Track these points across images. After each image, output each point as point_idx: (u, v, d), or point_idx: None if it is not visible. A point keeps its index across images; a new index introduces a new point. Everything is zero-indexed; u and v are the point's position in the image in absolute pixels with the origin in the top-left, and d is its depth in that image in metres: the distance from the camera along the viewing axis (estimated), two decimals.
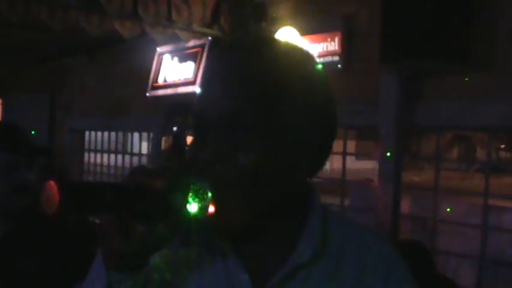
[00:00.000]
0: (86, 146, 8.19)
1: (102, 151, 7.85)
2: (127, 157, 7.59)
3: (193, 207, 0.92)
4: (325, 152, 1.06)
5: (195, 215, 0.92)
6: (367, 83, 4.26)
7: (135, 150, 7.92)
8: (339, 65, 4.48)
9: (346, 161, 4.77)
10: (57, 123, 8.02)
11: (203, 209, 0.93)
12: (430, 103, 3.97)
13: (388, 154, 3.99)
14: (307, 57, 1.06)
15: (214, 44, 5.38)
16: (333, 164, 4.71)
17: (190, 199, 0.91)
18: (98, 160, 7.91)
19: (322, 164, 1.07)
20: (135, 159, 7.52)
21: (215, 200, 0.94)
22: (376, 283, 1.05)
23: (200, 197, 0.92)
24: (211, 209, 0.94)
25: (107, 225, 0.89)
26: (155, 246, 0.91)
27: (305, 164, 1.02)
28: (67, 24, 4.37)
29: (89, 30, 4.58)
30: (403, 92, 4.02)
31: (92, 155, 8.07)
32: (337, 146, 4.44)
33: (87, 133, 8.10)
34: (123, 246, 0.88)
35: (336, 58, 4.50)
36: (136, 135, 7.66)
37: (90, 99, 7.71)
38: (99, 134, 7.90)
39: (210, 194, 0.93)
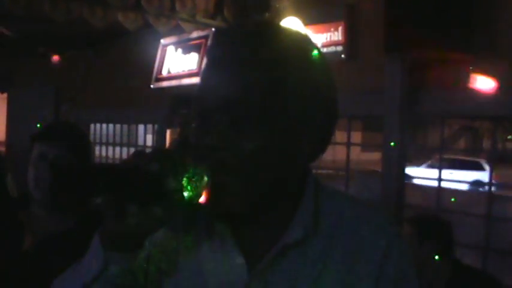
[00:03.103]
0: (91, 139, 8.20)
1: (107, 143, 7.85)
2: (132, 149, 7.59)
3: (188, 192, 0.93)
4: (326, 138, 1.07)
5: (190, 200, 0.93)
6: (371, 72, 4.25)
7: (140, 142, 7.92)
8: (343, 55, 4.46)
9: (352, 152, 4.75)
10: (62, 116, 8.01)
11: (198, 194, 0.94)
12: (434, 92, 3.95)
13: (392, 144, 3.97)
14: (307, 43, 1.06)
15: (219, 34, 5.36)
16: (337, 155, 4.71)
17: (185, 184, 0.92)
18: (103, 153, 7.92)
19: (323, 149, 1.08)
20: None
21: (215, 185, 0.96)
22: (374, 259, 1.04)
23: (196, 182, 0.93)
24: (205, 195, 0.95)
25: (103, 206, 0.93)
26: (149, 228, 0.94)
27: (305, 150, 1.03)
28: (70, 16, 4.36)
29: (93, 22, 4.58)
30: (406, 82, 4.00)
31: (97, 147, 8.07)
32: (342, 136, 4.44)
33: (92, 126, 8.11)
34: (117, 226, 0.93)
35: (340, 48, 4.49)
36: (141, 127, 7.66)
37: (95, 92, 7.70)
38: (104, 126, 7.91)
39: (206, 180, 0.94)
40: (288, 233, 1.03)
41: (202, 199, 0.95)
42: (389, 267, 1.04)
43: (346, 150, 4.70)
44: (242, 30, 1.06)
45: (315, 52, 1.05)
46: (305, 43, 1.06)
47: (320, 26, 4.65)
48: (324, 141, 1.07)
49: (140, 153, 0.94)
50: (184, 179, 0.92)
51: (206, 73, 1.04)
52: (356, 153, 5.91)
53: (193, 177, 0.93)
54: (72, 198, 2.05)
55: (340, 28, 4.49)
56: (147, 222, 0.92)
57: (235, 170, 0.98)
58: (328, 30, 4.56)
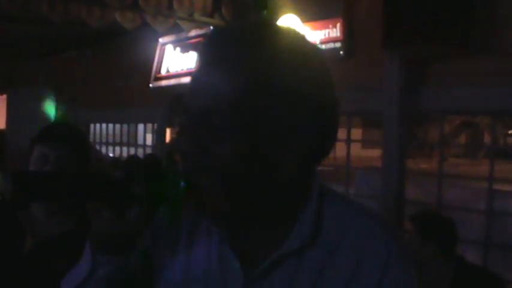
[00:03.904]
0: (91, 139, 8.20)
1: (107, 143, 7.86)
2: (132, 149, 7.59)
3: (164, 197, 0.95)
4: (323, 142, 1.02)
5: (166, 204, 0.96)
6: (370, 69, 4.24)
7: (140, 142, 7.92)
8: (341, 52, 4.46)
9: (353, 149, 4.75)
10: (61, 117, 8.02)
11: (174, 199, 0.95)
12: (433, 88, 3.94)
13: (392, 140, 3.97)
14: (301, 45, 1.01)
15: (212, 34, 5.36)
16: (337, 152, 4.71)
17: (159, 189, 0.95)
18: (103, 152, 7.93)
19: (322, 153, 1.04)
20: (140, 151, 7.53)
21: (193, 190, 0.96)
22: (373, 274, 0.99)
23: (173, 187, 0.95)
24: (182, 201, 0.97)
25: (88, 210, 0.97)
26: (127, 232, 0.97)
27: (293, 158, 0.98)
28: (68, 17, 4.36)
29: (91, 22, 4.57)
30: (405, 78, 3.99)
31: (97, 147, 8.08)
32: (341, 133, 4.43)
33: (91, 126, 8.12)
34: (98, 229, 0.97)
35: (338, 45, 4.48)
36: (141, 126, 7.67)
37: (94, 92, 7.70)
38: (104, 126, 7.91)
39: (181, 185, 0.95)
40: (285, 242, 1.01)
41: (180, 204, 0.97)
42: (389, 283, 1.00)
43: (346, 147, 4.69)
44: (227, 31, 1.03)
45: (311, 54, 1.01)
46: (297, 45, 1.00)
47: (318, 23, 4.64)
48: (322, 144, 1.02)
49: (115, 161, 0.96)
50: (157, 184, 0.94)
51: (193, 75, 1.01)
52: (357, 150, 5.90)
53: (169, 183, 0.95)
54: (71, 200, 2.05)
55: (338, 25, 4.48)
56: (123, 226, 0.95)
57: (212, 174, 0.96)
58: (327, 27, 4.56)
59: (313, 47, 1.03)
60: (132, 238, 0.99)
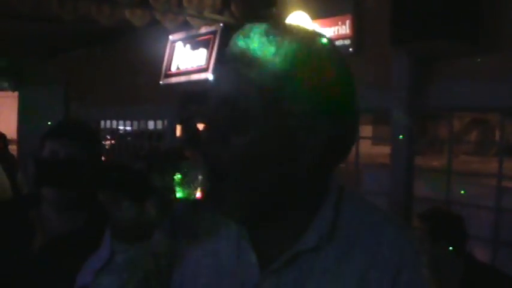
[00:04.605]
0: (101, 136, 8.23)
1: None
2: None
3: (180, 190, 0.96)
4: (341, 141, 1.02)
5: (183, 197, 0.97)
6: (379, 66, 4.23)
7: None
8: (350, 49, 4.45)
9: (363, 146, 4.74)
10: (72, 114, 8.06)
11: (191, 192, 0.97)
12: (442, 85, 3.93)
13: (400, 137, 3.96)
14: (317, 44, 1.02)
15: (226, 31, 5.37)
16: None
17: (176, 182, 0.96)
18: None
19: (341, 153, 1.04)
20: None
21: (213, 182, 0.97)
22: (387, 275, 1.01)
23: (189, 180, 0.96)
24: (199, 193, 0.98)
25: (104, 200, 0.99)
26: (145, 222, 0.99)
27: (311, 152, 0.99)
28: (77, 15, 4.38)
29: (100, 19, 4.60)
30: (414, 75, 3.99)
31: (108, 144, 8.12)
32: None
33: (102, 122, 8.15)
34: (116, 219, 0.99)
35: (347, 42, 4.48)
36: (151, 123, 7.68)
37: (104, 89, 7.74)
38: (114, 123, 7.94)
39: (200, 178, 0.97)
40: (302, 239, 1.03)
41: (197, 197, 0.98)
42: (402, 285, 1.02)
43: (355, 144, 4.69)
44: (246, 28, 1.04)
45: (329, 55, 1.01)
46: (314, 44, 1.02)
47: (327, 20, 4.64)
48: (339, 144, 1.02)
49: (136, 152, 0.97)
50: (176, 177, 0.96)
51: (213, 72, 1.06)
52: (367, 146, 5.89)
53: (187, 176, 0.96)
54: (82, 197, 2.06)
55: (347, 22, 4.48)
56: (142, 217, 0.98)
57: (229, 165, 0.98)
58: (336, 24, 4.55)
59: (335, 48, 1.05)
60: (150, 228, 1.02)
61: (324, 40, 1.04)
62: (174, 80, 6.33)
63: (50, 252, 2.05)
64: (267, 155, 0.98)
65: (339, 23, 4.52)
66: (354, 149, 4.59)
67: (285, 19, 4.77)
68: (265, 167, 0.98)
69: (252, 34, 1.01)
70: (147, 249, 1.05)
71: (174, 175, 0.96)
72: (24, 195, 2.90)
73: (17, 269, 2.06)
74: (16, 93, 9.12)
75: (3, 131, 7.02)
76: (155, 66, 6.48)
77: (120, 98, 7.41)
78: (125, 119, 7.74)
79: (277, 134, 0.97)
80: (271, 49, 0.98)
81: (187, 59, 6.15)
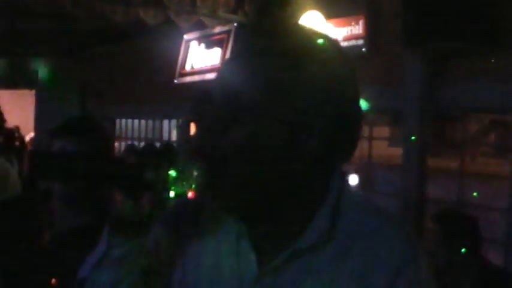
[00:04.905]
0: (117, 134, 8.28)
1: (132, 138, 7.92)
2: (158, 144, 7.62)
3: (176, 186, 0.98)
4: (341, 140, 1.02)
5: (177, 193, 0.99)
6: (392, 66, 4.21)
7: (165, 137, 7.97)
8: (363, 49, 4.43)
9: (379, 147, 4.72)
10: (88, 112, 8.11)
11: (186, 188, 0.99)
12: (456, 85, 3.89)
13: (413, 138, 3.93)
14: (322, 42, 1.03)
15: (240, 30, 5.37)
16: (361, 150, 4.68)
17: (172, 177, 0.98)
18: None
19: (342, 153, 1.05)
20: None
21: (210, 175, 0.99)
22: (384, 277, 0.99)
23: (185, 177, 0.98)
24: (194, 190, 1.00)
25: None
26: (140, 217, 1.01)
27: (310, 149, 1.00)
28: (92, 13, 4.40)
29: (114, 18, 4.61)
30: (427, 75, 3.95)
31: (123, 142, 8.15)
32: (364, 130, 4.41)
33: (117, 121, 8.19)
34: (112, 213, 1.03)
35: (360, 42, 4.46)
36: (166, 122, 7.71)
37: (121, 88, 7.78)
38: (130, 121, 7.98)
39: (195, 174, 0.98)
40: (301, 238, 1.02)
41: (191, 193, 1.00)
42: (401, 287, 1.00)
43: (368, 145, 4.67)
44: (253, 26, 1.08)
45: (332, 51, 1.03)
46: (319, 41, 1.03)
47: (341, 20, 4.62)
48: (339, 146, 1.02)
49: (130, 148, 0.98)
50: (171, 173, 0.97)
51: (220, 65, 1.08)
52: (383, 147, 5.86)
53: (182, 172, 0.98)
54: (91, 192, 2.07)
55: (361, 22, 4.46)
56: (136, 211, 1.00)
57: (225, 158, 0.99)
58: (349, 24, 4.54)
59: (339, 47, 1.06)
60: (146, 223, 1.03)
61: (329, 39, 1.05)
62: (188, 79, 6.35)
63: (58, 246, 2.07)
64: (266, 149, 0.98)
65: (352, 23, 4.51)
66: (367, 149, 4.63)
67: (298, 19, 4.76)
68: (263, 161, 0.99)
69: (258, 30, 1.05)
70: (144, 244, 1.06)
71: (169, 171, 0.98)
72: (34, 190, 2.92)
73: (26, 263, 2.08)
74: (33, 92, 9.20)
75: (21, 129, 7.09)
76: (171, 65, 6.51)
77: (136, 97, 7.45)
78: (140, 118, 7.77)
79: (277, 128, 0.98)
80: (276, 44, 1.00)
81: (201, 58, 6.17)
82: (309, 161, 1.00)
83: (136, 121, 7.87)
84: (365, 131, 4.68)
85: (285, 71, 0.98)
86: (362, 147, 4.77)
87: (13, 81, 8.94)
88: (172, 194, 1.00)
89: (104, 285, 1.07)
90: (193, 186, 0.99)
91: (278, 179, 1.01)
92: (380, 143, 4.80)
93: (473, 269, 3.02)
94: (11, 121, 7.98)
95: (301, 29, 1.05)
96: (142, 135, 7.81)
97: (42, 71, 8.68)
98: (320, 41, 1.03)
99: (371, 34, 4.42)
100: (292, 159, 1.00)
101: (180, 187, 0.99)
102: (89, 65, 8.13)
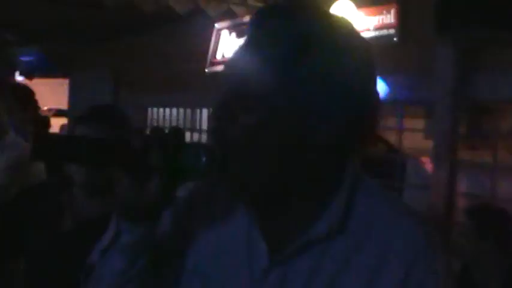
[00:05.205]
0: (148, 123, 8.31)
1: (164, 127, 7.95)
2: (195, 134, 7.58)
3: (183, 171, 0.97)
4: (356, 129, 1.00)
5: (188, 176, 0.99)
6: (424, 55, 4.11)
7: (204, 126, 7.93)
8: (395, 38, 4.34)
9: (414, 139, 4.65)
10: (121, 101, 8.17)
11: (197, 170, 0.97)
12: (489, 76, 3.79)
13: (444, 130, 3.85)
14: (339, 29, 1.01)
15: (253, 15, 5.32)
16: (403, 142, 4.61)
17: (182, 160, 0.97)
18: None
19: (355, 143, 1.03)
20: (197, 136, 7.55)
21: (223, 161, 0.98)
22: (397, 269, 0.98)
23: (193, 160, 0.97)
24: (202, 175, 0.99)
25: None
26: (147, 202, 0.99)
27: (321, 137, 0.98)
28: (120, 1, 4.41)
29: (143, 7, 4.62)
30: (460, 65, 3.85)
31: None
32: (395, 122, 4.35)
33: (149, 109, 8.23)
34: (119, 197, 1.01)
35: (392, 31, 4.36)
36: (205, 111, 7.68)
37: (153, 76, 7.80)
38: (161, 110, 8.01)
39: (204, 158, 0.97)
40: (312, 229, 1.01)
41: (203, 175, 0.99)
42: (414, 281, 0.98)
43: (399, 136, 4.59)
44: (265, 8, 1.06)
45: (345, 37, 1.00)
46: (332, 27, 1.01)
47: (372, 9, 4.54)
48: (353, 135, 1.00)
49: (139, 131, 0.99)
50: (178, 157, 0.96)
51: (233, 51, 1.06)
52: (418, 140, 5.77)
53: (189, 157, 0.97)
54: (112, 182, 2.07)
55: (392, 10, 4.36)
56: (143, 196, 0.98)
57: (234, 145, 0.99)
58: (381, 13, 4.45)
59: (355, 32, 1.04)
60: (154, 208, 1.01)
61: (344, 24, 1.03)
62: (219, 68, 6.35)
63: (78, 236, 2.07)
64: (276, 138, 0.97)
65: (384, 11, 4.41)
66: (409, 142, 4.55)
67: (329, 8, 4.70)
68: (273, 150, 0.98)
69: (269, 14, 1.01)
70: (153, 231, 1.05)
71: (176, 155, 0.96)
72: (56, 179, 2.95)
73: (46, 252, 2.10)
74: (66, 80, 9.33)
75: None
76: (202, 54, 6.51)
77: (168, 86, 7.47)
78: (172, 107, 7.79)
79: (287, 116, 0.97)
80: (286, 30, 0.98)
81: (232, 47, 6.15)
82: (320, 150, 0.99)
83: (167, 110, 7.88)
84: (395, 121, 4.62)
85: (296, 57, 0.96)
86: (393, 138, 4.70)
87: (48, 69, 9.08)
88: (184, 178, 0.99)
89: (111, 272, 1.06)
90: (201, 171, 0.98)
91: (289, 169, 0.99)
92: (414, 135, 4.72)
93: (504, 264, 2.98)
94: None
95: (319, 13, 1.02)
96: (174, 124, 7.82)
97: (76, 59, 8.77)
98: (334, 25, 1.01)
99: (403, 23, 4.32)
100: (303, 148, 0.98)
101: (188, 172, 0.98)
102: (122, 54, 8.19)
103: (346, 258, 1.00)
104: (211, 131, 1.03)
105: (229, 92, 1.01)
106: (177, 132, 1.01)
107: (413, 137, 4.74)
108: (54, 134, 1.18)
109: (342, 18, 1.05)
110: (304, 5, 1.03)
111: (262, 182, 1.00)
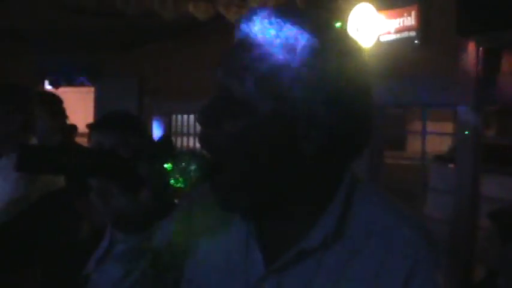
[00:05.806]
0: (173, 129, 8.36)
1: (188, 134, 7.99)
2: None
3: (173, 179, 0.95)
4: (347, 136, 0.97)
5: (176, 186, 0.96)
6: (445, 58, 4.05)
7: None
8: (416, 41, 4.29)
9: (442, 143, 4.59)
10: (145, 108, 8.23)
11: (185, 181, 0.95)
12: None
13: (466, 132, 3.78)
14: (328, 33, 0.98)
15: (237, 21, 5.33)
16: (428, 147, 4.56)
17: (169, 170, 0.95)
18: (185, 143, 8.07)
19: (348, 149, 0.99)
20: None
21: (210, 170, 0.97)
22: (394, 282, 0.95)
23: (183, 170, 0.95)
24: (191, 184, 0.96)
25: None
26: (139, 212, 0.98)
27: (311, 143, 0.95)
28: (141, 9, 4.45)
29: (163, 14, 4.65)
30: (482, 66, 3.78)
31: (179, 138, 8.23)
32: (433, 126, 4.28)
33: (173, 116, 8.28)
34: (108, 208, 0.99)
35: (413, 33, 4.31)
36: None
37: (177, 83, 7.84)
38: (185, 117, 8.05)
39: (193, 167, 0.95)
40: (307, 237, 0.99)
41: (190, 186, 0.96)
42: None
43: (422, 140, 4.54)
44: (251, 12, 1.02)
45: (334, 41, 0.97)
46: (320, 31, 0.97)
47: (393, 11, 4.49)
48: (345, 141, 0.97)
49: (126, 140, 0.97)
50: (168, 166, 0.94)
51: (224, 53, 1.04)
52: (446, 144, 5.71)
53: (179, 165, 0.95)
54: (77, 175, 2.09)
55: (413, 13, 4.31)
56: (135, 206, 0.97)
57: (221, 152, 0.97)
58: (401, 16, 4.40)
59: (347, 36, 1.01)
60: (146, 218, 1.00)
61: (335, 28, 1.00)
62: None
63: (95, 243, 2.08)
64: (264, 143, 0.95)
65: (405, 14, 4.36)
66: (435, 146, 4.49)
67: (350, 11, 4.67)
68: (262, 156, 0.95)
69: (254, 18, 0.98)
70: (149, 240, 1.03)
71: (166, 164, 0.95)
72: (75, 185, 2.98)
73: (63, 260, 2.11)
74: (92, 89, 9.42)
75: (80, 126, 7.24)
76: None
77: (191, 93, 7.49)
78: (196, 114, 7.83)
79: (274, 122, 0.94)
80: (272, 34, 0.95)
81: None
82: (309, 158, 0.96)
83: (192, 117, 7.93)
84: (419, 125, 4.57)
85: (281, 62, 0.94)
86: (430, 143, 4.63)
87: (74, 78, 9.18)
88: (171, 188, 0.96)
89: (108, 281, 1.05)
90: (192, 180, 0.96)
91: (277, 176, 0.97)
92: (442, 139, 4.67)
93: None
94: (73, 118, 8.17)
95: (303, 14, 0.99)
96: (198, 130, 7.85)
97: (102, 67, 8.87)
98: (323, 28, 0.97)
99: (424, 25, 4.27)
100: (293, 154, 0.96)
101: (179, 181, 0.95)
102: (146, 61, 8.25)
103: (343, 267, 0.97)
104: (199, 138, 1.01)
105: (213, 97, 0.99)
106: (167, 141, 0.99)
107: (440, 141, 4.68)
108: (40, 145, 1.17)
109: (332, 20, 1.03)
110: (294, 10, 1.01)
111: (251, 190, 0.98)
